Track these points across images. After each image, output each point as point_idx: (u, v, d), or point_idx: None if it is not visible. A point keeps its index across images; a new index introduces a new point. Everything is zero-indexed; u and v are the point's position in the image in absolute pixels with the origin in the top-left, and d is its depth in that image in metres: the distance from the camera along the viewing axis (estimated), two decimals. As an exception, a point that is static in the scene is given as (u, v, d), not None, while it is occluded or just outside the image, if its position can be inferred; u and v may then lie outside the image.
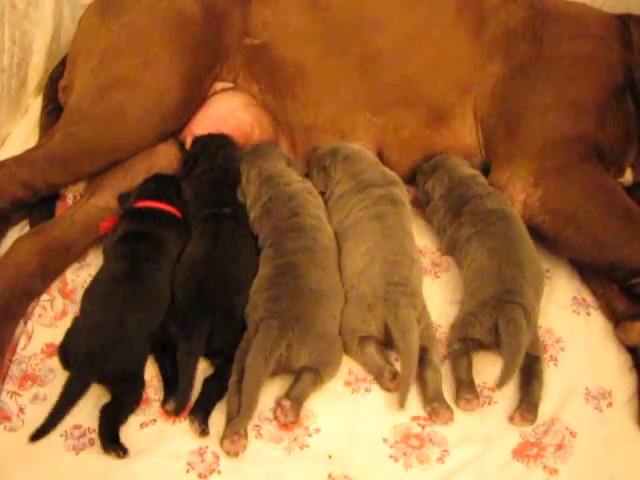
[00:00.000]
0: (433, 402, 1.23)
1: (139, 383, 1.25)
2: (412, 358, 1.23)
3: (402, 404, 1.22)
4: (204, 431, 1.21)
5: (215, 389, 1.26)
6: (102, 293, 1.29)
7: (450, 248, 1.51)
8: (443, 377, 1.28)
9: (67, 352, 1.24)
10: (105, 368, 1.20)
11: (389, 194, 1.47)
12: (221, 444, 1.18)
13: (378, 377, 1.28)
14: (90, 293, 1.32)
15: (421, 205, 1.60)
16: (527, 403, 1.25)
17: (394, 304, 1.28)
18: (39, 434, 1.16)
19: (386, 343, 1.32)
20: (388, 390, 1.27)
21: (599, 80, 1.56)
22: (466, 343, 1.30)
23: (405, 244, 1.39)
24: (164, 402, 1.24)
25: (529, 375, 1.28)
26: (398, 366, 1.29)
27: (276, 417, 1.22)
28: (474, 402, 1.24)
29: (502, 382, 1.22)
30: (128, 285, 1.29)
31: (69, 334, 1.26)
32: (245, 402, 1.18)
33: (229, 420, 1.20)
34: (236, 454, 1.18)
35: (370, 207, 1.44)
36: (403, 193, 1.52)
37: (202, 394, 1.25)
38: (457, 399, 1.25)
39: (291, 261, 1.35)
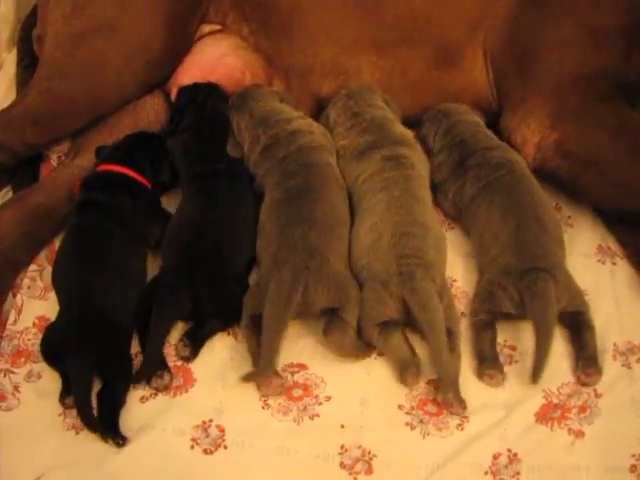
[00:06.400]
0: (447, 393, 1.13)
1: (127, 359, 1.19)
2: (439, 332, 1.13)
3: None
4: (189, 358, 1.20)
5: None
6: (62, 266, 1.26)
7: (455, 210, 1.39)
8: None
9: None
10: (92, 346, 1.14)
11: (395, 155, 1.34)
12: (259, 388, 1.14)
13: (402, 372, 1.17)
14: (55, 263, 1.29)
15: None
16: (585, 358, 1.17)
17: (409, 277, 1.16)
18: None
19: (407, 323, 1.20)
20: (408, 386, 1.17)
21: (624, 5, 1.41)
22: (493, 315, 1.21)
23: (415, 212, 1.26)
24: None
25: (578, 327, 1.20)
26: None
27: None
28: (498, 377, 1.16)
29: (538, 368, 1.14)
30: (78, 258, 1.25)
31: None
32: (266, 357, 1.13)
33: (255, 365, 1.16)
34: (280, 394, 1.15)
35: (375, 176, 1.31)
36: (415, 153, 1.38)
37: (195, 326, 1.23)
38: (480, 374, 1.17)
39: (303, 183, 1.29)
